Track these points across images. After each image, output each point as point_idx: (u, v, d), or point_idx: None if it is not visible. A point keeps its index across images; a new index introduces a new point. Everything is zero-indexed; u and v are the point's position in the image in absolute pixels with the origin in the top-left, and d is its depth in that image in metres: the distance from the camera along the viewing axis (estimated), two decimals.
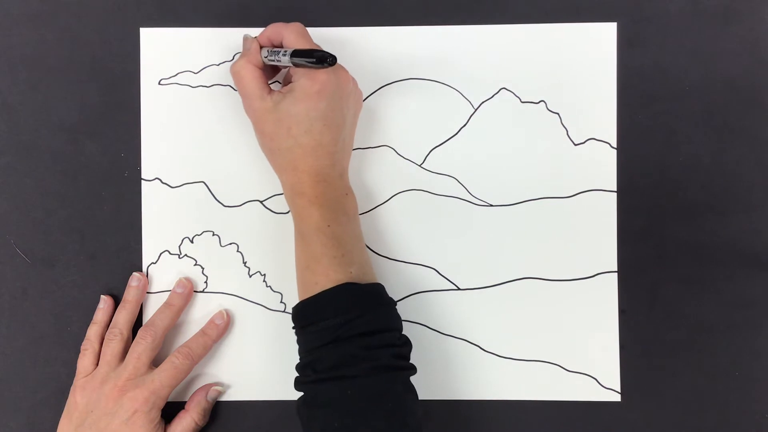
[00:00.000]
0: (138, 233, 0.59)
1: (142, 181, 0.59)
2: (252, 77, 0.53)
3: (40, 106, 0.60)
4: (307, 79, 0.51)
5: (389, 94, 0.60)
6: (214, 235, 0.59)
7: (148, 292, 0.59)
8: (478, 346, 0.59)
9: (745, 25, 0.60)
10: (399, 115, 0.60)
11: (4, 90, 0.60)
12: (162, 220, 0.59)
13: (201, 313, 0.59)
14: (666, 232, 0.59)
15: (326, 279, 0.51)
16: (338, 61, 0.50)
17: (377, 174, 0.60)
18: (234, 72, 0.54)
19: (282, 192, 0.56)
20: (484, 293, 0.59)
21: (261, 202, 0.60)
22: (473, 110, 0.60)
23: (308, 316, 0.51)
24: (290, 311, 0.55)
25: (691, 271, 0.59)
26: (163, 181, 0.60)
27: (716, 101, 0.60)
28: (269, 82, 0.55)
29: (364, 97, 0.59)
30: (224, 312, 0.58)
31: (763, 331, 0.59)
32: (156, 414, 0.55)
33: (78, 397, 0.55)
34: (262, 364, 0.59)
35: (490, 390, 0.59)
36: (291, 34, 0.52)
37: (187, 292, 0.58)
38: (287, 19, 0.54)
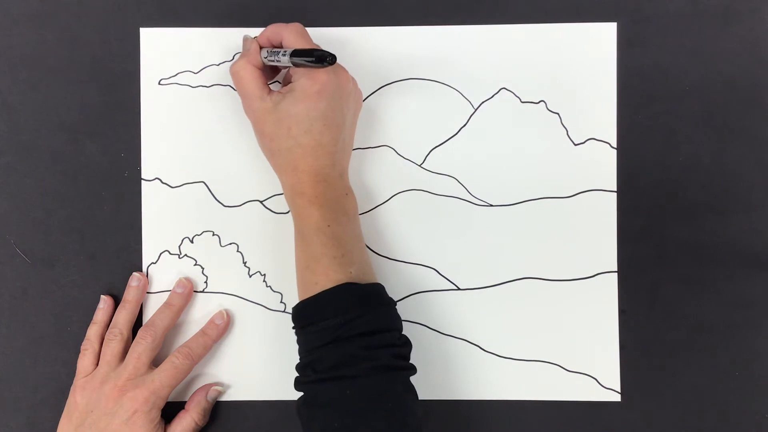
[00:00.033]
0: (138, 233, 0.59)
1: (142, 181, 0.59)
2: (252, 77, 0.53)
3: (40, 106, 0.60)
4: (307, 79, 0.51)
5: (389, 94, 0.60)
6: (214, 235, 0.59)
7: (148, 292, 0.59)
8: (478, 346, 0.59)
9: (745, 25, 0.60)
10: (399, 115, 0.60)
11: (4, 90, 0.60)
12: (162, 220, 0.59)
13: (201, 313, 0.59)
14: (666, 232, 0.59)
15: (326, 279, 0.51)
16: (338, 61, 0.50)
17: (377, 174, 0.60)
18: (233, 72, 0.54)
19: (282, 192, 0.56)
20: (484, 293, 0.59)
21: (261, 202, 0.60)
22: (473, 110, 0.60)
23: (308, 316, 0.51)
24: (290, 311, 0.55)
25: (691, 271, 0.59)
26: (163, 181, 0.60)
27: (716, 101, 0.60)
28: (269, 83, 0.55)
29: (364, 97, 0.59)
30: (224, 312, 0.58)
31: (763, 331, 0.59)
32: (156, 414, 0.55)
33: (78, 397, 0.55)
34: (262, 364, 0.59)
35: (490, 390, 0.59)
36: (290, 35, 0.52)
37: (187, 292, 0.58)
38: (287, 19, 0.54)
